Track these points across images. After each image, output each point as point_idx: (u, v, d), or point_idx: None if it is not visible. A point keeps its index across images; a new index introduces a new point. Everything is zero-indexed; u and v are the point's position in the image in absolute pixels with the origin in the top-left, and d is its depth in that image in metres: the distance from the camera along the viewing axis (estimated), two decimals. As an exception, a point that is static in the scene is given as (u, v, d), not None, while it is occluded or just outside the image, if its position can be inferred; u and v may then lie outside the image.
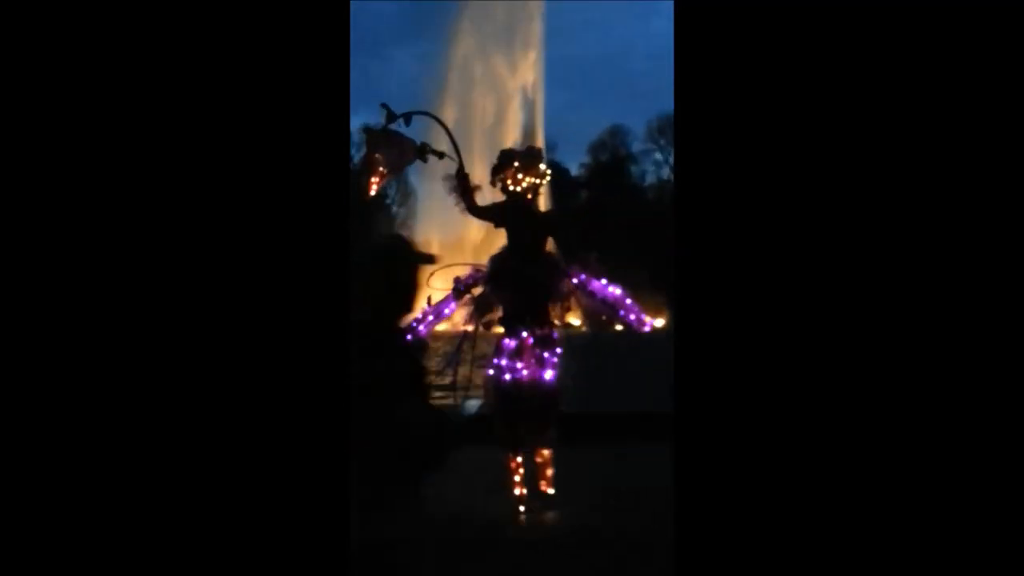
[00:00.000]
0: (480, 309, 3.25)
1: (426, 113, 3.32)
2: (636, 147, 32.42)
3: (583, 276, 3.24)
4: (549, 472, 3.20)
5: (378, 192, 2.97)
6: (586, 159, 32.65)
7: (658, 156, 31.67)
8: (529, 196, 3.26)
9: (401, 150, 2.91)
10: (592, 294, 3.22)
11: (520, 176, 3.21)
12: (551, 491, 3.19)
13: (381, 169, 2.93)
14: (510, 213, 3.27)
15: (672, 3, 1.49)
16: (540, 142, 22.01)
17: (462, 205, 3.26)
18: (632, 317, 3.22)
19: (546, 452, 3.20)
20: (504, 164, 3.24)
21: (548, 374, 3.13)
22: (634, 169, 32.54)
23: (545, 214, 3.51)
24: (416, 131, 3.09)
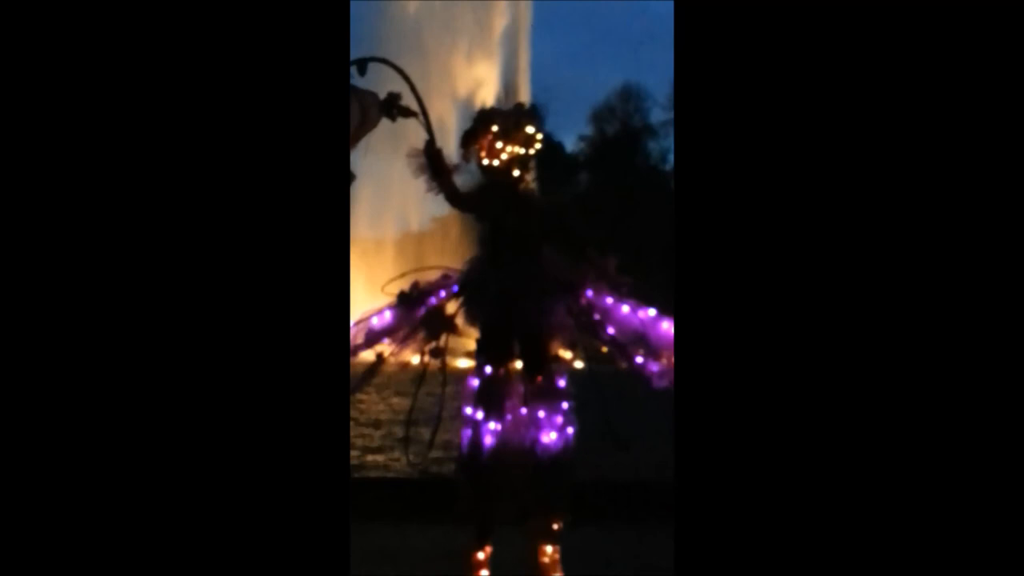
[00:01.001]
0: (429, 328, 2.95)
1: (384, 61, 3.04)
2: (656, 116, 31.68)
3: (603, 298, 2.87)
4: None
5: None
6: (587, 131, 32.18)
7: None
8: (515, 173, 2.95)
9: (362, 108, 2.57)
10: (602, 324, 2.85)
11: (499, 145, 2.89)
12: None
13: None
14: (490, 199, 2.99)
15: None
16: (524, 88, 22.10)
17: (436, 191, 2.99)
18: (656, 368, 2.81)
19: (550, 550, 2.87)
20: (479, 128, 2.94)
21: (548, 437, 2.82)
22: (652, 145, 31.97)
23: (540, 200, 3.16)
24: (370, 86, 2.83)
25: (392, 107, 2.83)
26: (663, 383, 2.82)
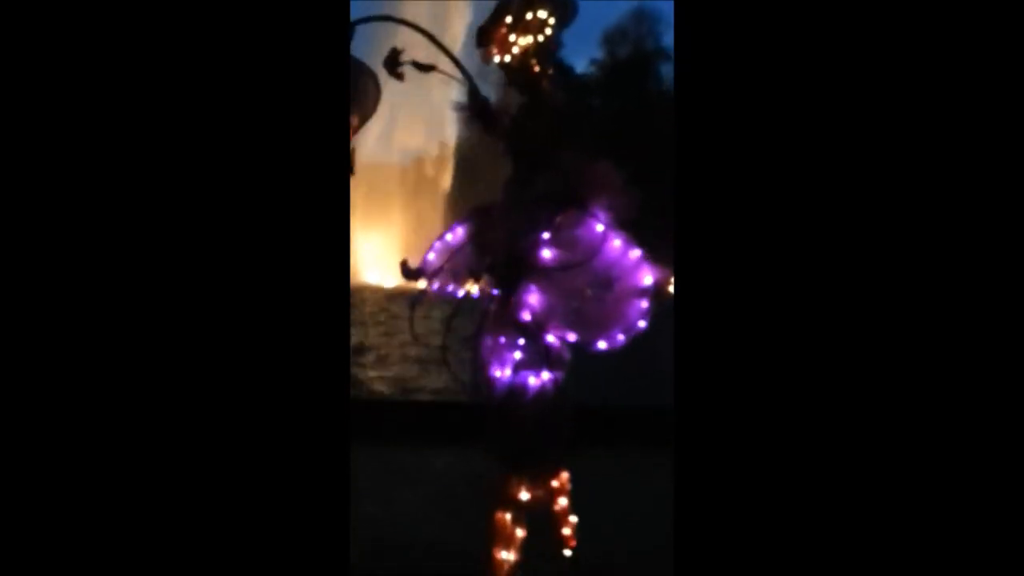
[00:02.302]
0: (478, 248, 2.65)
1: (383, 18, 2.71)
2: (670, 40, 30.99)
3: (591, 225, 2.45)
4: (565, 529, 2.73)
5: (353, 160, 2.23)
6: (599, 54, 31.54)
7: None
8: (535, 68, 2.53)
9: (371, 90, 2.39)
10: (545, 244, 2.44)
11: (512, 37, 2.49)
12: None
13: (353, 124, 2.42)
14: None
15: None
16: None
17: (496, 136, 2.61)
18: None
19: (508, 518, 2.57)
20: (492, 23, 2.54)
21: (501, 372, 2.52)
22: (665, 70, 31.32)
23: (556, 102, 2.68)
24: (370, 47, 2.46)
25: (395, 63, 2.56)
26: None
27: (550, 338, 2.53)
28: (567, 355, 2.59)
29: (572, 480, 2.84)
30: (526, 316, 2.49)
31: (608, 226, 2.46)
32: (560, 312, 2.51)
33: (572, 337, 2.51)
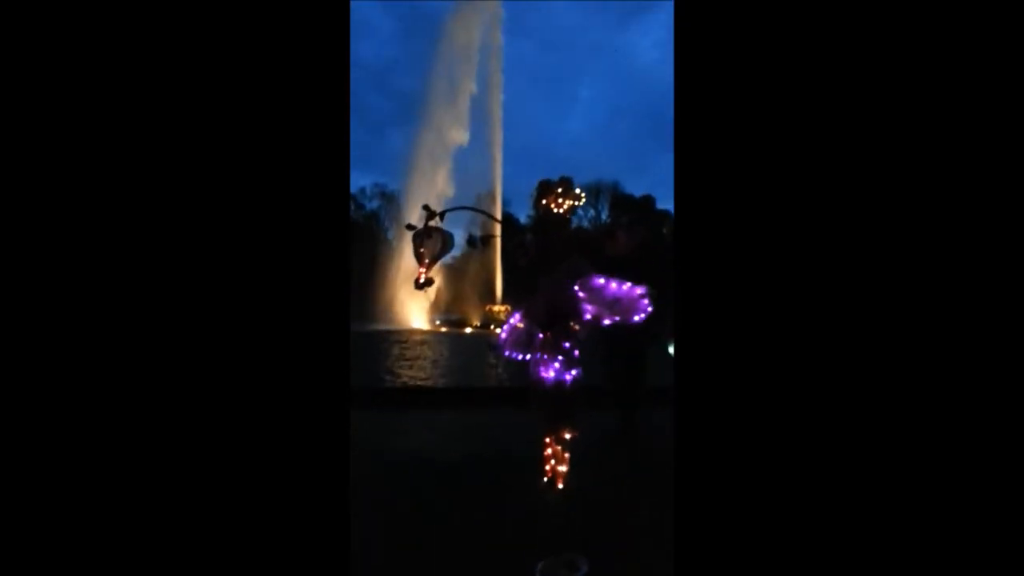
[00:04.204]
0: (528, 314, 3.68)
1: (458, 208, 4.02)
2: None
3: (595, 279, 3.39)
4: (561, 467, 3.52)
5: (427, 279, 3.54)
6: (532, 212, 44.17)
7: (580, 211, 45.31)
8: (553, 216, 3.71)
9: (442, 242, 3.57)
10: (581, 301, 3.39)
11: (561, 200, 3.67)
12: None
13: (427, 260, 3.53)
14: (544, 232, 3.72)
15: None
16: (498, 199, 36.43)
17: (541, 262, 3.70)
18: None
19: (560, 448, 3.54)
20: (539, 189, 3.77)
21: (548, 373, 3.52)
22: (576, 216, 44.39)
23: (567, 229, 3.88)
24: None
25: (474, 243, 3.95)
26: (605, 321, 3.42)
27: (575, 353, 3.58)
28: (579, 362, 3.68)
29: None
30: (567, 344, 3.60)
31: (606, 278, 3.55)
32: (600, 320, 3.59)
33: (607, 320, 3.44)
